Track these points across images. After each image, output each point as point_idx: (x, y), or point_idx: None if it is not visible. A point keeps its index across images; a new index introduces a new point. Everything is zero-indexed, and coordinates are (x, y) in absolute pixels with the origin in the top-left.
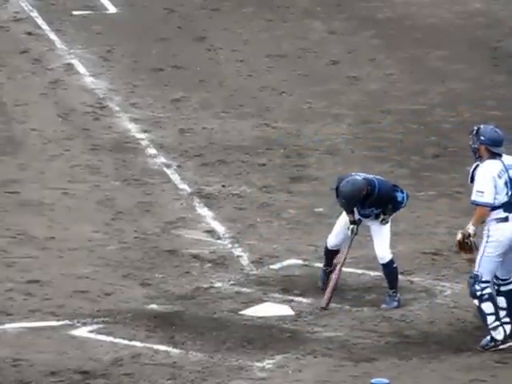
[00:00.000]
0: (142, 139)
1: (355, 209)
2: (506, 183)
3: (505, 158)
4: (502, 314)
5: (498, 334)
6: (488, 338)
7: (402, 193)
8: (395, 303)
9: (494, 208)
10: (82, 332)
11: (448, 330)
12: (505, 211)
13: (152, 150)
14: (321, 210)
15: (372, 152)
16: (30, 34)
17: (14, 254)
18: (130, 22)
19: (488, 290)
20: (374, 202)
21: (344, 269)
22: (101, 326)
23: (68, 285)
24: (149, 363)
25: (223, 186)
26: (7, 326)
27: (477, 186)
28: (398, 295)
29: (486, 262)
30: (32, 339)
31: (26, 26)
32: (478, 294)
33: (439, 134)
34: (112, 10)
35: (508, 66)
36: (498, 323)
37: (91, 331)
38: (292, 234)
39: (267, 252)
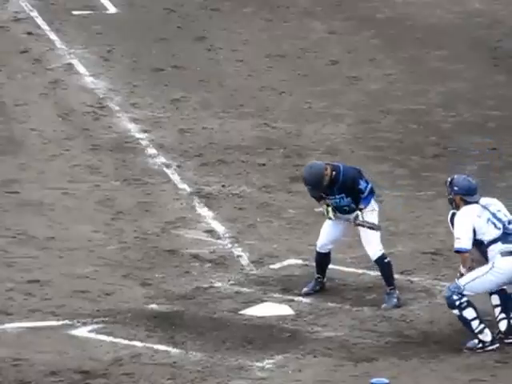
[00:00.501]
0: (142, 139)
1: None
2: (488, 220)
3: (482, 200)
4: (497, 310)
5: (486, 336)
6: (475, 340)
7: (367, 183)
8: (395, 300)
9: (489, 243)
10: (82, 332)
11: (448, 330)
12: (504, 243)
13: (152, 150)
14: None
15: (372, 152)
16: (30, 33)
17: (14, 254)
18: (130, 22)
19: (465, 298)
20: (340, 187)
21: (344, 269)
22: (101, 325)
23: (68, 285)
24: (149, 363)
25: (223, 186)
26: (7, 325)
27: (455, 233)
28: (397, 292)
29: (479, 284)
30: (32, 339)
31: (26, 25)
32: (457, 303)
33: (439, 134)
34: (112, 10)
35: (508, 65)
36: (483, 325)
37: (91, 331)
38: (292, 234)
39: (267, 252)
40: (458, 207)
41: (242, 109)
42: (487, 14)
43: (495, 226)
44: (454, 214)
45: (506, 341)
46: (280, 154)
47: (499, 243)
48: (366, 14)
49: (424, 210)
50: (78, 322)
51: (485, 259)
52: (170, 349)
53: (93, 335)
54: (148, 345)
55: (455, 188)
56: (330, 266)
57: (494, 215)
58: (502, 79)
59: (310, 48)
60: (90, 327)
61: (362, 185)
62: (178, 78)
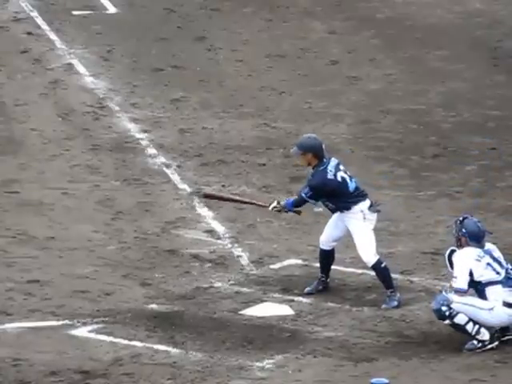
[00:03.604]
0: (142, 139)
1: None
2: (488, 264)
3: (486, 245)
4: None
5: (484, 335)
6: (474, 341)
7: (311, 196)
8: (395, 302)
9: (487, 283)
10: (82, 332)
11: (448, 330)
12: (504, 287)
13: (152, 150)
14: (320, 210)
15: (372, 152)
16: (30, 34)
17: (14, 254)
18: (130, 22)
19: (453, 305)
20: None
21: (344, 269)
22: (101, 325)
23: (68, 285)
24: (149, 363)
25: (223, 185)
26: (7, 325)
27: (454, 271)
28: (398, 294)
29: (469, 311)
30: (32, 339)
31: (26, 25)
32: (447, 314)
33: (439, 134)
34: (112, 10)
35: (508, 66)
36: (477, 326)
37: (91, 331)
38: (292, 234)
39: (267, 252)
40: (462, 246)
41: (241, 109)
42: (487, 13)
43: (495, 270)
44: (452, 252)
45: (503, 338)
46: (280, 154)
47: (499, 286)
48: (366, 14)
49: (424, 210)
50: (78, 322)
51: (481, 297)
52: (170, 349)
53: (93, 335)
54: (148, 345)
55: (463, 230)
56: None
57: (495, 260)
58: (502, 79)
59: (310, 48)
60: (89, 327)
61: (306, 190)
62: (178, 77)
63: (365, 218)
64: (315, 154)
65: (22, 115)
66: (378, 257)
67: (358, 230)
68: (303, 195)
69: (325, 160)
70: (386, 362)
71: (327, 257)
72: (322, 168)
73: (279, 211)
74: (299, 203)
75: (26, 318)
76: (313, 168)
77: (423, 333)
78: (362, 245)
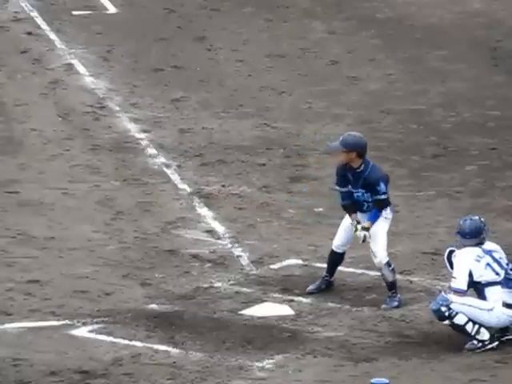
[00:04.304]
0: (142, 139)
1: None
2: (487, 264)
3: (486, 244)
4: None
5: (484, 335)
6: (474, 341)
7: (386, 189)
8: (395, 303)
9: (487, 284)
10: (82, 332)
11: (448, 330)
12: (504, 287)
13: (152, 150)
14: (321, 209)
15: (372, 152)
16: (30, 34)
17: (14, 254)
18: (130, 22)
19: (452, 305)
20: (364, 183)
21: (344, 269)
22: (101, 325)
23: (68, 285)
24: (149, 363)
25: (223, 185)
26: (7, 325)
27: (453, 271)
28: (399, 295)
29: (469, 311)
30: (32, 339)
31: (26, 25)
32: (446, 314)
33: (439, 133)
34: (112, 10)
35: (508, 65)
36: (477, 326)
37: (91, 331)
38: (292, 234)
39: (267, 252)
40: (463, 245)
41: (241, 109)
42: (487, 13)
43: (494, 270)
44: (450, 252)
45: (503, 338)
46: (280, 154)
47: (499, 287)
48: (366, 14)
49: (424, 210)
50: (78, 322)
51: (480, 298)
52: (170, 349)
53: (93, 335)
54: (148, 345)
55: (458, 229)
56: None
57: (495, 260)
58: (502, 79)
59: (310, 48)
60: (90, 327)
61: (381, 187)
62: (178, 77)
63: (386, 218)
64: (360, 153)
65: (22, 115)
66: (388, 259)
67: (379, 230)
68: (383, 196)
69: (367, 158)
70: (385, 362)
71: (338, 259)
72: (371, 164)
73: (367, 229)
74: (383, 206)
75: (26, 318)
76: (355, 168)
77: (423, 333)
78: (379, 245)
